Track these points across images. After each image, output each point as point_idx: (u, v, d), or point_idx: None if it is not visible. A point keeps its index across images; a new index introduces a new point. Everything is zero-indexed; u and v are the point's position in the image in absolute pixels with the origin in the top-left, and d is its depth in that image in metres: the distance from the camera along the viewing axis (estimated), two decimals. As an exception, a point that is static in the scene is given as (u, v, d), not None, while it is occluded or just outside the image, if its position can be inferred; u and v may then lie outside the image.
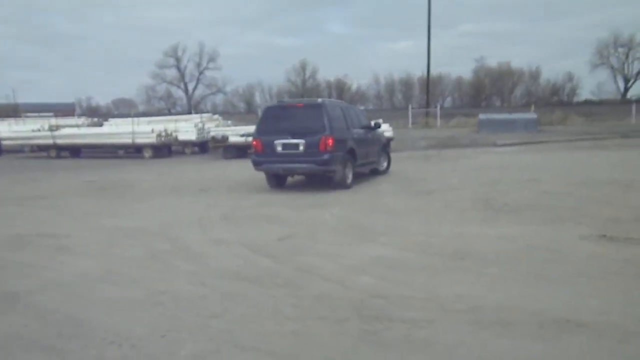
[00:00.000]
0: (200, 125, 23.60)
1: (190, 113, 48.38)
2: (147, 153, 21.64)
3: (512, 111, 35.82)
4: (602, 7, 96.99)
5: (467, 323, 3.65)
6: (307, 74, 75.56)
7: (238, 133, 20.53)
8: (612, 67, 66.49)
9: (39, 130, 24.79)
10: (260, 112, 13.08)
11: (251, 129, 20.32)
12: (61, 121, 28.64)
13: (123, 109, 73.17)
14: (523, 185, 10.19)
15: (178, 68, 76.97)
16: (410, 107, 41.16)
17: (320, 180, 11.20)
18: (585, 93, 70.59)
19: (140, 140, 21.64)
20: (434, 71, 63.16)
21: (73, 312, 4.13)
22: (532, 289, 4.31)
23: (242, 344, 3.44)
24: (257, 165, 10.79)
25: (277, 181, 11.24)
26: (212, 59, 75.90)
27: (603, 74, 78.14)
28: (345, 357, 3.24)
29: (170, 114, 60.64)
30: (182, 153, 23.61)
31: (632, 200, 8.25)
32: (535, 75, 70.08)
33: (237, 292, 4.50)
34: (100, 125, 27.94)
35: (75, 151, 23.73)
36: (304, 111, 10.61)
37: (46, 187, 12.71)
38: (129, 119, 25.45)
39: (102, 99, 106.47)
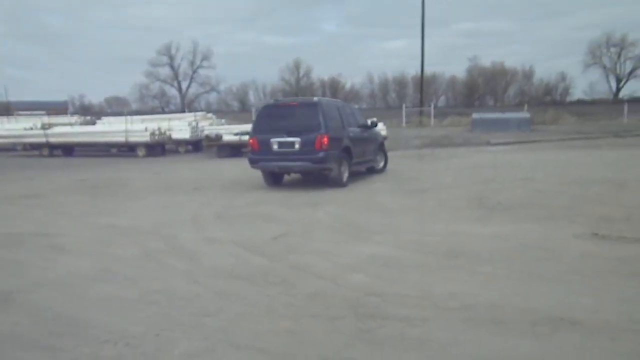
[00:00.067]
0: (194, 124, 23.55)
1: (184, 112, 48.19)
2: (141, 152, 21.57)
3: (506, 110, 35.97)
4: (594, 7, 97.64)
5: (460, 321, 3.66)
6: (301, 72, 75.62)
7: (232, 132, 20.50)
8: (604, 67, 66.97)
9: (32, 129, 24.69)
10: (254, 111, 13.12)
11: (245, 127, 20.41)
12: (54, 119, 28.54)
13: (116, 107, 72.92)
14: (516, 184, 10.23)
15: (172, 66, 76.82)
16: (404, 106, 41.19)
17: (316, 178, 11.23)
18: (577, 93, 71.02)
19: (133, 138, 21.55)
20: (428, 70, 63.32)
21: (67, 311, 4.11)
22: (525, 287, 4.33)
23: (236, 343, 3.44)
24: (253, 163, 10.85)
25: (274, 179, 11.31)
26: (205, 58, 75.82)
27: (595, 74, 78.56)
28: (340, 355, 3.24)
29: (163, 112, 60.43)
30: (175, 152, 23.55)
31: (624, 199, 8.30)
32: (528, 75, 70.43)
33: (231, 290, 4.49)
34: (93, 123, 27.84)
35: (68, 150, 23.62)
36: (300, 110, 10.67)
37: (39, 186, 12.64)
38: (122, 118, 25.39)
39: (95, 98, 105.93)
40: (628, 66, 66.20)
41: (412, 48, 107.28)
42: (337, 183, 10.62)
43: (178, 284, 4.72)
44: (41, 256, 5.88)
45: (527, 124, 27.53)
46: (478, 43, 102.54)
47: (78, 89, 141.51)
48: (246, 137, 18.83)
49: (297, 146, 10.24)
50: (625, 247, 5.46)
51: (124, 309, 4.14)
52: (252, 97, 76.57)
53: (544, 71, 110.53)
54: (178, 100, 77.89)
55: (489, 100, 71.61)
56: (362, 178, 12.04)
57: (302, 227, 7.04)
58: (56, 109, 45.05)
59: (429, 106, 42.77)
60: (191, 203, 9.22)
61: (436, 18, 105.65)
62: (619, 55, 65.89)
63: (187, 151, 23.53)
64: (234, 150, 20.11)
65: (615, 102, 54.23)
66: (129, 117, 24.58)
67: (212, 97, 79.45)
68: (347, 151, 10.95)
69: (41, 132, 23.51)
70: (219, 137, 20.37)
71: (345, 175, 10.90)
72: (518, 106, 45.37)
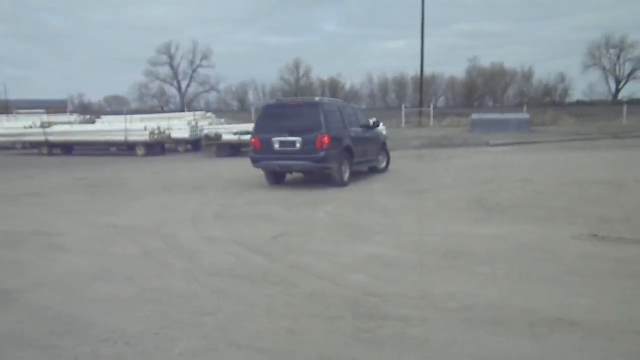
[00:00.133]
0: (193, 123, 23.54)
1: (183, 111, 48.13)
2: (140, 151, 21.54)
3: (505, 111, 35.97)
4: (594, 8, 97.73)
5: (460, 322, 3.67)
6: (301, 72, 75.77)
7: (231, 131, 20.50)
8: (604, 69, 67.18)
9: (31, 127, 24.65)
10: (253, 111, 13.17)
11: (244, 127, 20.43)
12: (53, 118, 28.48)
13: (116, 106, 72.94)
14: (516, 185, 10.24)
15: (171, 66, 76.86)
16: (403, 106, 41.17)
17: (318, 178, 11.27)
18: (577, 94, 71.29)
19: (133, 138, 21.53)
20: (428, 71, 63.59)
21: (67, 310, 4.11)
22: (525, 288, 4.34)
23: (236, 342, 3.45)
24: (255, 162, 10.95)
25: (276, 178, 11.41)
26: (205, 57, 75.89)
27: (595, 75, 78.81)
28: (339, 355, 3.25)
29: (163, 111, 60.38)
30: (175, 151, 23.52)
31: (623, 200, 8.32)
32: (528, 76, 70.58)
33: (230, 290, 4.50)
34: (93, 122, 27.79)
35: (67, 148, 23.60)
36: (302, 110, 10.75)
37: (39, 185, 12.63)
38: (122, 117, 25.35)
39: (94, 97, 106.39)
40: (627, 68, 66.53)
41: (411, 48, 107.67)
42: (338, 183, 10.67)
43: (178, 283, 4.73)
44: (41, 255, 5.88)
45: (527, 125, 27.53)
46: (478, 44, 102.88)
47: (78, 88, 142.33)
48: (245, 137, 18.91)
49: (298, 146, 10.32)
50: (624, 248, 5.47)
51: (124, 308, 4.14)
52: (251, 97, 76.78)
53: (544, 72, 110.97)
54: (178, 99, 78.02)
55: (489, 101, 71.74)
56: (364, 178, 12.06)
57: (302, 227, 7.05)
58: (56, 107, 45.07)
59: (429, 107, 42.79)
60: (191, 202, 9.22)
61: (436, 18, 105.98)
62: (619, 57, 66.17)
63: (186, 150, 23.51)
64: (233, 149, 20.11)
65: (614, 103, 54.35)
66: (128, 116, 24.54)
67: (212, 96, 79.64)
68: (348, 151, 11.01)
69: (41, 130, 23.48)
70: (218, 137, 20.35)
71: (347, 175, 10.95)
72: (517, 107, 45.43)
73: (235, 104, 77.50)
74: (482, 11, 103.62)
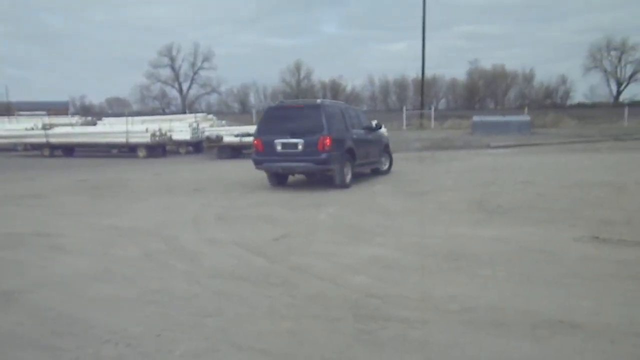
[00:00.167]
0: (194, 125, 23.58)
1: (184, 113, 48.19)
2: (141, 152, 21.58)
3: (506, 113, 35.95)
4: (595, 10, 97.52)
5: (461, 323, 3.67)
6: (302, 74, 75.68)
7: (232, 133, 20.52)
8: (605, 71, 67.06)
9: (32, 129, 24.69)
10: (254, 112, 13.24)
11: (245, 129, 20.45)
12: (54, 120, 28.54)
13: (117, 108, 72.95)
14: (517, 187, 10.24)
15: (172, 68, 76.81)
16: (404, 108, 41.20)
17: (320, 179, 11.30)
18: (578, 96, 71.35)
19: (134, 139, 21.56)
20: (429, 73, 63.48)
21: (68, 311, 4.11)
22: (525, 290, 4.34)
23: (237, 343, 3.45)
24: (257, 164, 11.03)
25: (278, 180, 11.48)
26: (206, 59, 75.83)
27: (596, 77, 78.69)
28: (340, 356, 3.25)
29: (164, 113, 60.51)
30: (176, 153, 23.57)
31: (624, 202, 8.31)
32: (529, 78, 70.50)
33: (232, 291, 4.50)
34: (94, 124, 27.83)
35: (68, 150, 23.64)
36: (304, 112, 10.83)
37: (40, 186, 12.65)
38: (123, 118, 25.38)
39: (95, 98, 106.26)
40: (628, 70, 66.42)
41: (412, 50, 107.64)
42: (339, 184, 10.71)
43: (179, 284, 4.73)
44: (42, 256, 5.89)
45: (528, 127, 27.54)
46: (479, 46, 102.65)
47: (79, 90, 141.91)
48: (246, 139, 18.94)
49: (300, 147, 10.38)
50: (625, 250, 5.47)
51: (125, 310, 4.15)
52: (252, 99, 76.75)
53: (545, 74, 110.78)
54: (179, 101, 77.97)
55: (490, 103, 71.69)
56: (365, 179, 12.08)
57: (304, 229, 7.05)
58: (57, 109, 45.09)
59: (430, 109, 42.85)
60: (192, 204, 9.23)
61: (437, 21, 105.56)
62: (620, 59, 66.06)
63: (187, 152, 23.56)
64: (234, 151, 20.14)
65: (615, 105, 54.35)
66: (129, 118, 24.58)
67: (213, 98, 79.54)
68: (350, 153, 11.06)
69: (42, 132, 23.53)
70: (219, 139, 20.39)
71: (349, 176, 10.99)
72: (518, 109, 45.43)
73: (236, 106, 77.53)
74: (483, 13, 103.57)
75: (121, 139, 21.92)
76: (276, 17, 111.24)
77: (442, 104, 73.52)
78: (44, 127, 24.09)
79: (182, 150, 23.62)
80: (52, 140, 23.03)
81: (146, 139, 21.29)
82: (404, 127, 36.42)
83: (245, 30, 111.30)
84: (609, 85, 67.81)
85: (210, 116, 28.57)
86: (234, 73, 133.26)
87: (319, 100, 11.15)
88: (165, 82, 77.65)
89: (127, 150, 22.78)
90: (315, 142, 10.25)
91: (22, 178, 14.64)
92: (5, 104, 51.58)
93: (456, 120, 36.91)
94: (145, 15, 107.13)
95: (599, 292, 4.24)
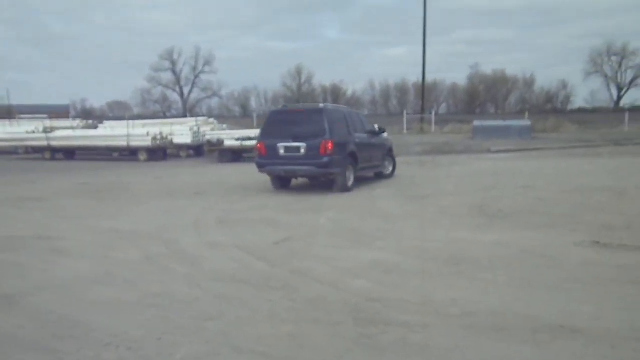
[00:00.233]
0: (195, 128, 23.61)
1: (185, 116, 48.35)
2: (142, 156, 21.61)
3: (507, 118, 36.02)
4: (596, 15, 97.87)
5: (461, 328, 3.67)
6: (303, 78, 75.88)
7: (233, 137, 20.57)
8: (605, 76, 67.23)
9: (34, 132, 24.76)
10: (255, 117, 13.30)
11: (247, 133, 20.51)
12: (56, 123, 28.54)
13: (118, 111, 73.17)
14: (517, 191, 10.25)
15: (174, 71, 76.97)
16: (405, 112, 41.28)
17: (323, 183, 11.34)
18: (578, 101, 71.41)
19: (135, 143, 21.60)
20: (429, 77, 63.43)
21: (69, 314, 4.12)
22: (526, 294, 4.34)
23: (238, 347, 3.45)
24: (260, 167, 11.12)
25: (282, 183, 11.57)
26: (207, 63, 76.01)
27: (596, 82, 79.17)
28: (341, 361, 3.25)
29: (165, 117, 60.47)
30: (177, 156, 23.59)
31: (625, 207, 8.31)
32: (529, 83, 70.69)
33: (232, 295, 4.50)
34: (95, 127, 27.91)
35: (69, 153, 23.69)
36: (306, 116, 10.94)
37: (41, 189, 12.66)
38: (124, 122, 25.45)
39: (96, 102, 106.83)
40: (629, 75, 66.63)
41: (413, 55, 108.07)
42: (342, 188, 10.75)
43: (179, 288, 4.73)
44: (43, 259, 5.90)
45: (528, 132, 27.57)
46: (479, 51, 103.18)
47: (80, 93, 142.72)
48: (247, 143, 18.98)
49: (302, 151, 10.47)
50: (626, 255, 5.47)
51: (126, 313, 4.15)
52: (253, 103, 76.90)
53: (545, 79, 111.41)
54: (180, 105, 78.12)
55: (490, 108, 71.78)
56: (367, 183, 12.11)
57: (305, 232, 7.06)
58: (58, 112, 45.19)
59: (430, 113, 42.90)
60: (193, 208, 9.24)
61: (438, 26, 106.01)
62: (620, 64, 66.25)
63: (188, 156, 23.59)
64: (235, 155, 20.17)
65: (616, 110, 54.40)
66: (130, 122, 24.62)
67: (214, 102, 79.73)
68: (352, 156, 11.13)
69: (43, 135, 23.58)
70: (220, 142, 20.42)
71: (351, 180, 11.05)
72: (519, 114, 45.45)
73: (237, 110, 77.66)
74: (483, 19, 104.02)
75: (122, 143, 21.96)
76: (277, 21, 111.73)
77: (443, 108, 73.74)
78: (45, 131, 24.13)
79: (183, 153, 23.66)
80: (53, 143, 23.08)
81: (147, 142, 21.33)
82: (405, 131, 36.46)
83: (247, 34, 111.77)
84: (609, 90, 68.04)
85: (211, 120, 28.64)
86: (235, 77, 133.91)
87: (321, 105, 11.20)
88: (166, 86, 77.86)
89: (128, 154, 22.83)
90: (317, 146, 10.32)
91: (24, 181, 14.65)
92: (6, 107, 51.67)
93: (457, 125, 36.98)
94: (146, 19, 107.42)
95: (599, 296, 4.24)
